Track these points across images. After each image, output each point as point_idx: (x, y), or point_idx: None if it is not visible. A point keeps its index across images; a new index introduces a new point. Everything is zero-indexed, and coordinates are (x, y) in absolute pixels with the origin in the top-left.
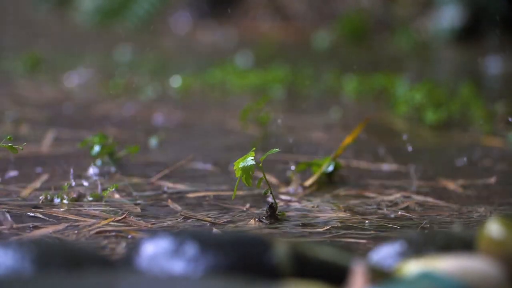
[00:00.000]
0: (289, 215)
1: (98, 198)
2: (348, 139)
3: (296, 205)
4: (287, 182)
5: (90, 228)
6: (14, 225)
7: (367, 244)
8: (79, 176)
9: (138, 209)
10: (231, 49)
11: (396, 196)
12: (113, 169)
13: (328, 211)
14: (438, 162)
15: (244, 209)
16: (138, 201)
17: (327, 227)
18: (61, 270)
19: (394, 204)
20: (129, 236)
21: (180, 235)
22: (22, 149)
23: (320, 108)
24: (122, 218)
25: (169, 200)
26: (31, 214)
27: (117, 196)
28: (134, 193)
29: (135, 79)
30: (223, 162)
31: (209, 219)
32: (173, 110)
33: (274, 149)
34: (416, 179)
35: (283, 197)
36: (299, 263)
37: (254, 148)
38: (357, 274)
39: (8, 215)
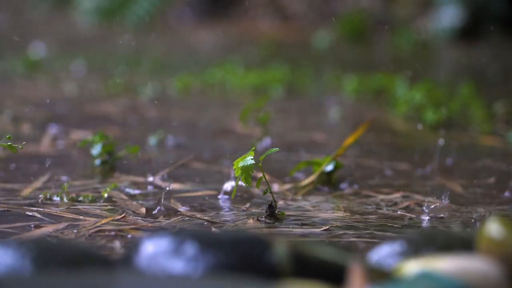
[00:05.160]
0: (289, 214)
1: (97, 197)
2: (349, 140)
3: (295, 204)
4: (287, 182)
5: (89, 227)
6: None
7: (366, 244)
8: (79, 175)
9: (138, 209)
10: (231, 48)
11: (396, 195)
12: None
13: (327, 211)
14: (438, 162)
15: (244, 208)
16: (138, 201)
17: (327, 227)
18: (61, 270)
19: (394, 203)
20: (129, 236)
21: (179, 235)
22: (21, 148)
23: (320, 108)
24: (121, 217)
25: (171, 200)
26: (31, 213)
27: (116, 195)
28: (134, 192)
29: (135, 78)
30: (222, 161)
31: (208, 218)
32: (172, 109)
33: (274, 149)
34: (416, 179)
35: (282, 196)
36: (299, 263)
37: (253, 148)
38: (356, 273)
39: None
